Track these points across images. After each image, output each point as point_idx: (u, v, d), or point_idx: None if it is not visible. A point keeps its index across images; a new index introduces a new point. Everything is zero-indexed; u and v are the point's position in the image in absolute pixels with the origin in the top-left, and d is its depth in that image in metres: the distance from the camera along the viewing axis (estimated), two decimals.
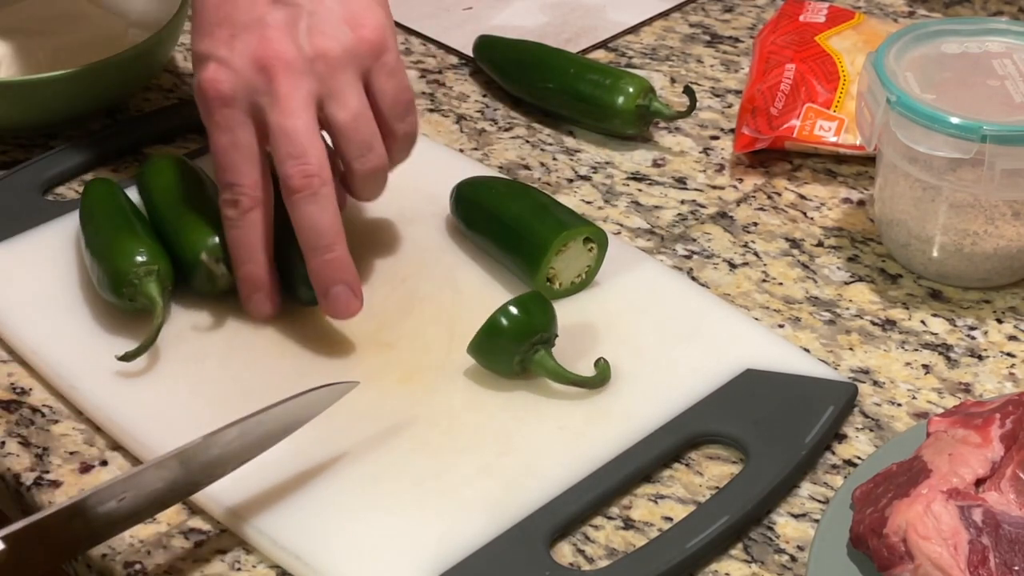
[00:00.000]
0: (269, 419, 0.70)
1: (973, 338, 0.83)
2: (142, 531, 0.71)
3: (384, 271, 0.86)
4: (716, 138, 1.00)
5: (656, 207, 0.94)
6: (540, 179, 0.96)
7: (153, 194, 0.87)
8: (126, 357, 0.78)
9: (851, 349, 0.82)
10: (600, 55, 1.09)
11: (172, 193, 0.86)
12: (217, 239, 0.81)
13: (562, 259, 0.83)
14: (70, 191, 0.95)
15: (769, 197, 0.94)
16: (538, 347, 0.77)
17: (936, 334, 0.83)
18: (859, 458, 0.75)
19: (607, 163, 0.98)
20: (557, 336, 0.78)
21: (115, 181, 0.88)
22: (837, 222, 0.92)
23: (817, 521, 0.71)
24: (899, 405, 0.78)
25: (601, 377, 0.77)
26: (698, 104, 1.00)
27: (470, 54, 1.08)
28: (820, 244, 0.90)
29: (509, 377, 0.78)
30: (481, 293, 0.83)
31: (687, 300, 0.84)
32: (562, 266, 0.83)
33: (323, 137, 0.79)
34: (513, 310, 0.77)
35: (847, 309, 0.85)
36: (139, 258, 0.80)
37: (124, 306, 0.81)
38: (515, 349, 0.77)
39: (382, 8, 0.81)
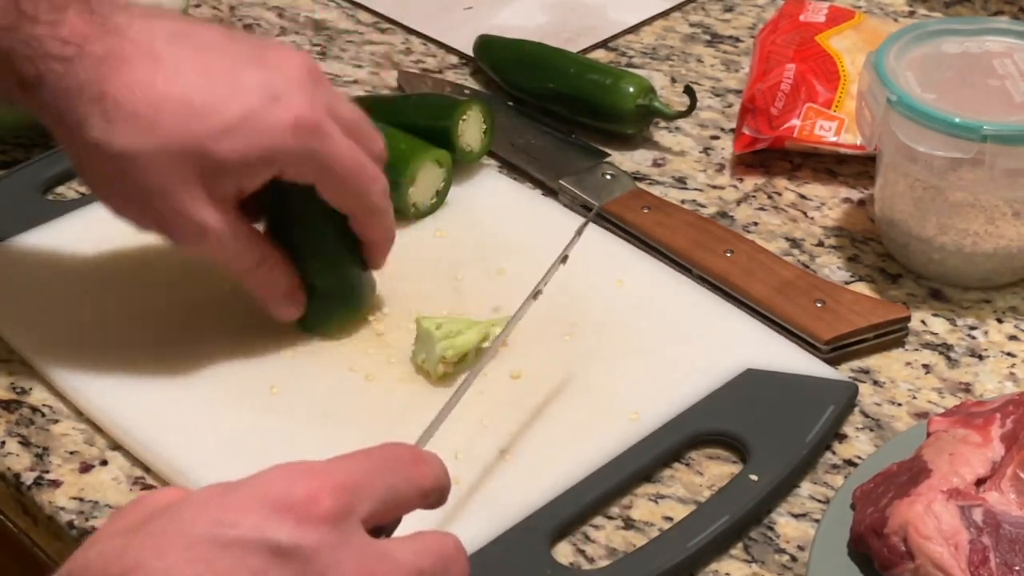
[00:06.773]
0: None
1: (973, 338, 0.83)
2: None
3: (381, 274, 0.86)
4: (716, 138, 1.00)
5: None
6: None
7: None
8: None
9: None
10: (600, 55, 1.09)
11: None
12: None
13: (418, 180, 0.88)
14: (70, 191, 0.95)
15: (769, 197, 0.94)
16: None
17: (936, 334, 0.83)
18: (859, 458, 0.75)
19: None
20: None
21: None
22: (837, 222, 0.92)
23: (817, 521, 0.71)
24: (899, 405, 0.78)
25: None
26: (698, 104, 1.00)
27: (470, 54, 1.08)
28: (820, 244, 0.90)
29: None
30: (481, 293, 0.83)
31: (687, 300, 0.84)
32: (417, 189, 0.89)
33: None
34: None
35: None
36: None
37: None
38: None
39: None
